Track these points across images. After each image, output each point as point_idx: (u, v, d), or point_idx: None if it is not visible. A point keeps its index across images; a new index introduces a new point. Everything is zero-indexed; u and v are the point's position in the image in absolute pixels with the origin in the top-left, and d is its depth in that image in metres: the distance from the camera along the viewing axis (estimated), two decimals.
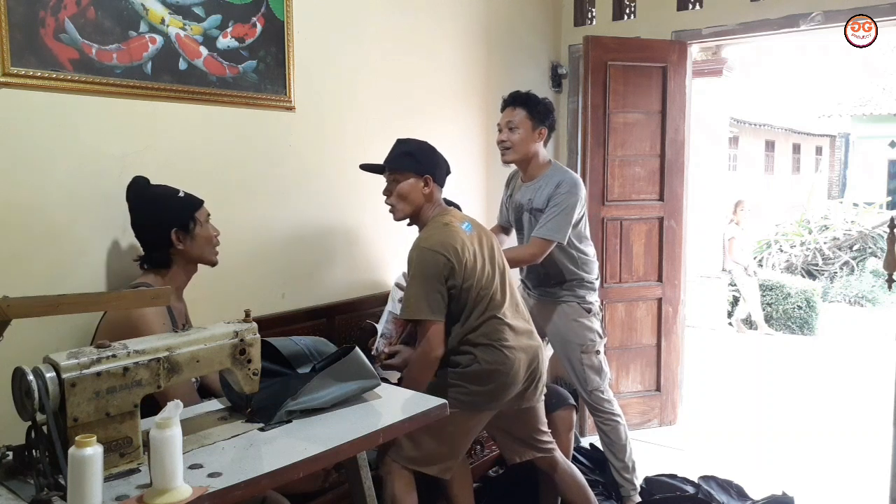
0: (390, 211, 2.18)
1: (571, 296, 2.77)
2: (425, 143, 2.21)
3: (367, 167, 2.24)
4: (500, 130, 2.69)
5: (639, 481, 2.89)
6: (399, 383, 2.31)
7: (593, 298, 2.80)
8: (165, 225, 1.88)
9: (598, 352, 2.79)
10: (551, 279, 2.78)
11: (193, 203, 1.94)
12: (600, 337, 2.80)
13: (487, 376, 2.07)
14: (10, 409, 1.26)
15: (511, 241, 2.92)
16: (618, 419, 2.83)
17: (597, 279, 2.84)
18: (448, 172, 2.24)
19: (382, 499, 2.02)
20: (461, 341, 2.09)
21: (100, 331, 1.80)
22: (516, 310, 2.19)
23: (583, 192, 2.68)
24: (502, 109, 2.70)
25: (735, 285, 7.11)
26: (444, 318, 2.04)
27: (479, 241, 2.15)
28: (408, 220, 2.20)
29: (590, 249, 2.81)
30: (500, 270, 2.18)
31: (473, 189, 3.36)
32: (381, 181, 2.21)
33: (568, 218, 2.61)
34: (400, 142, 2.20)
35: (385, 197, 2.17)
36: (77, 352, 1.28)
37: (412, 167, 2.12)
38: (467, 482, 2.32)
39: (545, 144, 2.72)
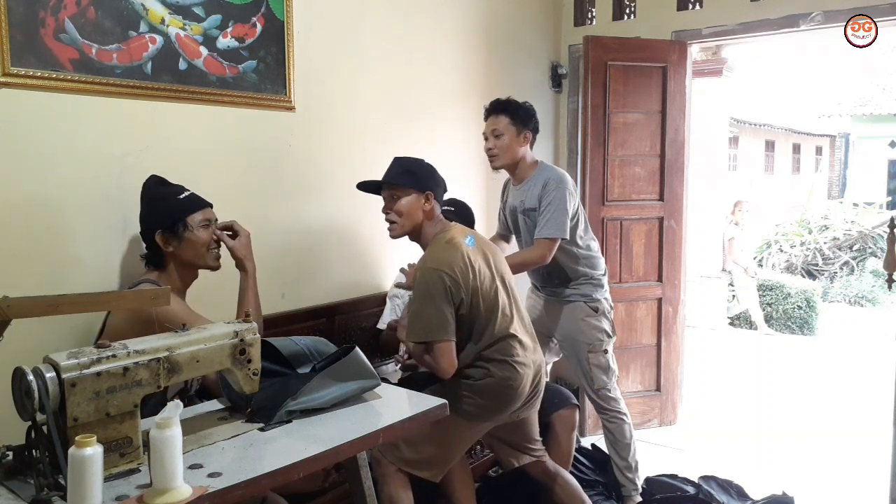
0: (389, 228, 2.16)
1: (578, 294, 2.76)
2: (424, 161, 2.20)
3: (364, 186, 2.21)
4: (486, 139, 2.70)
5: (640, 481, 2.88)
6: (399, 383, 2.32)
7: (601, 295, 2.79)
8: (152, 226, 1.88)
9: (605, 351, 2.79)
10: (555, 279, 2.78)
11: (189, 206, 1.91)
12: (608, 336, 2.79)
13: (497, 391, 2.09)
14: (10, 409, 1.26)
15: (512, 248, 2.92)
16: (623, 417, 2.83)
17: (604, 275, 2.82)
18: (445, 190, 2.22)
19: (379, 499, 2.02)
20: (476, 357, 2.09)
21: (109, 330, 1.79)
22: (523, 324, 2.20)
23: (570, 184, 2.68)
24: (485, 118, 2.70)
25: (732, 285, 7.11)
26: (454, 337, 2.02)
27: (482, 256, 2.15)
28: (408, 237, 2.19)
29: (592, 244, 2.81)
30: (505, 284, 2.18)
31: (474, 188, 3.35)
32: (380, 179, 2.21)
33: (564, 213, 2.62)
34: (398, 159, 2.19)
35: (385, 214, 2.16)
36: (77, 352, 1.28)
37: (413, 183, 2.11)
38: (468, 482, 2.32)
39: (531, 146, 2.72)
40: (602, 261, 2.84)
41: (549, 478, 2.40)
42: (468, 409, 2.06)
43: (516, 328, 2.13)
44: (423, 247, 2.18)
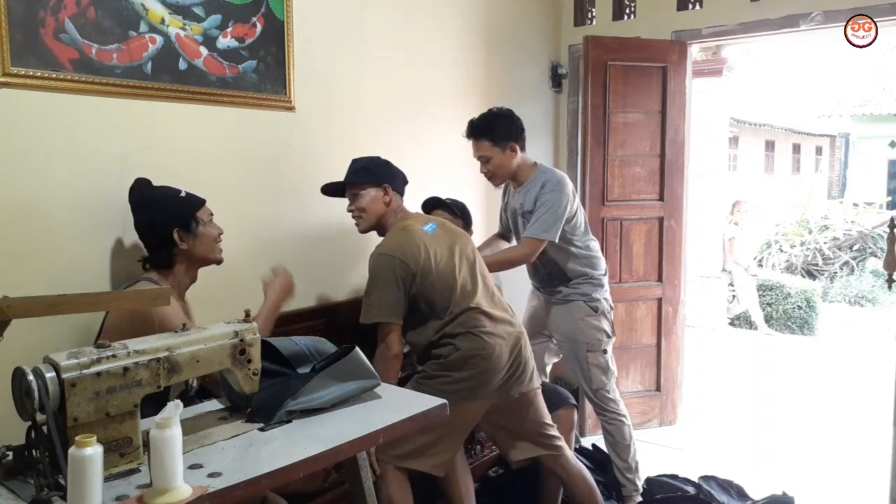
0: (356, 224, 2.30)
1: (577, 294, 2.77)
2: (378, 157, 2.32)
3: (327, 190, 2.34)
4: (478, 160, 2.74)
5: (641, 482, 2.88)
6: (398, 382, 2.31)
7: (600, 295, 2.79)
8: (168, 225, 1.88)
9: (605, 351, 2.79)
10: (554, 279, 2.79)
11: (195, 203, 1.94)
12: (608, 336, 2.80)
13: (468, 362, 2.10)
14: (10, 409, 1.26)
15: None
16: (623, 419, 2.83)
17: (604, 275, 2.83)
18: (405, 182, 2.34)
19: (379, 500, 2.01)
20: (441, 335, 2.13)
21: (109, 328, 1.79)
22: (492, 300, 2.24)
23: (569, 187, 2.70)
24: (468, 139, 2.72)
25: (732, 285, 7.12)
26: (401, 320, 2.12)
27: (442, 240, 2.21)
28: (376, 232, 2.29)
29: (592, 244, 2.81)
30: (468, 263, 2.23)
31: (474, 188, 3.35)
32: None
33: (556, 215, 2.62)
34: (354, 160, 2.32)
35: (350, 213, 2.29)
36: (77, 352, 1.28)
37: (369, 179, 2.25)
38: (467, 483, 2.32)
39: (523, 149, 2.72)
40: (602, 261, 2.84)
41: (567, 475, 2.37)
42: (445, 388, 2.03)
43: (479, 301, 2.17)
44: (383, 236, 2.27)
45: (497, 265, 2.64)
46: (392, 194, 2.26)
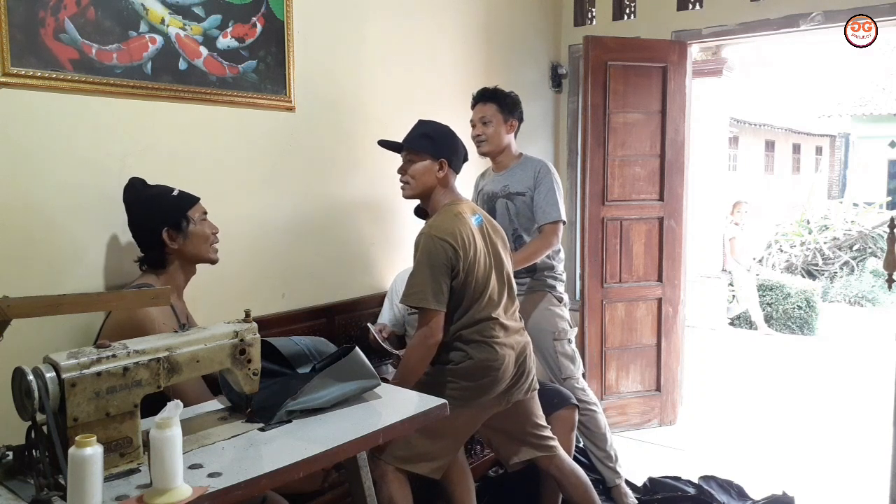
0: (402, 188, 2.18)
1: (542, 285, 2.82)
2: (446, 126, 2.21)
3: (385, 144, 2.23)
4: (473, 126, 2.79)
5: (622, 469, 2.88)
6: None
7: (562, 289, 2.87)
8: (157, 224, 1.87)
9: (569, 340, 2.84)
10: (523, 268, 2.80)
11: (187, 201, 1.93)
12: (570, 326, 2.86)
13: (478, 372, 2.08)
14: (10, 409, 1.26)
15: None
16: (594, 408, 2.85)
17: (563, 273, 2.90)
18: (465, 159, 2.25)
19: (378, 500, 2.01)
20: (454, 337, 2.09)
21: (104, 332, 1.80)
22: (509, 310, 2.20)
23: (557, 173, 2.82)
24: (473, 106, 2.80)
25: (732, 285, 7.12)
26: (445, 308, 2.04)
27: (484, 237, 2.16)
28: (418, 204, 2.21)
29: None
30: (500, 269, 2.18)
31: (472, 187, 3.35)
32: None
33: (560, 195, 2.74)
34: (421, 122, 2.21)
35: (399, 175, 2.18)
36: (77, 352, 1.28)
37: (428, 149, 2.13)
38: (467, 482, 2.31)
39: (515, 136, 2.82)
40: (563, 259, 2.93)
41: (562, 474, 2.36)
42: (452, 395, 2.00)
43: (500, 313, 2.13)
44: (430, 212, 2.18)
45: (524, 261, 2.68)
46: (448, 170, 2.14)
